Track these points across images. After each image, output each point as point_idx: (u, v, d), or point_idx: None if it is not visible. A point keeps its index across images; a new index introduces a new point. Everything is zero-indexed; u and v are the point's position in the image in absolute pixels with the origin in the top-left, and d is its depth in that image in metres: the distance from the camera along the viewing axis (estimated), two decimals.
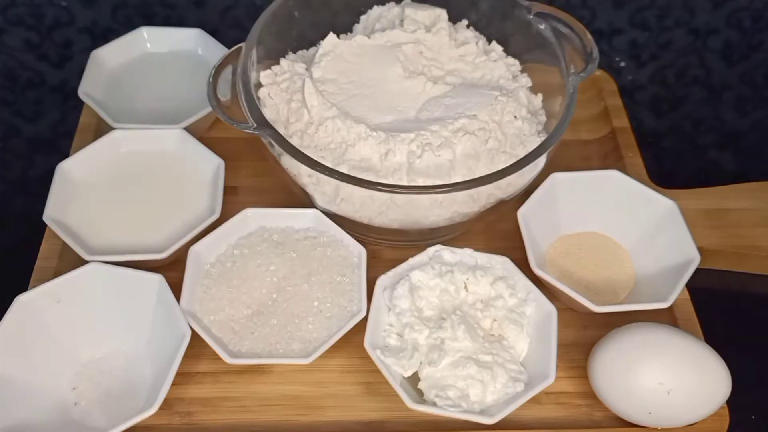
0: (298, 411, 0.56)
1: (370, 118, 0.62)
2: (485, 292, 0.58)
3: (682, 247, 0.60)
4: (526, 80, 0.68)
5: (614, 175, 0.64)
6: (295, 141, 0.61)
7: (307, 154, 0.57)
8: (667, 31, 0.88)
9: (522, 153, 0.60)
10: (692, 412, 0.53)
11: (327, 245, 0.61)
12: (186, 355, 0.53)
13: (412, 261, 0.59)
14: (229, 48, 0.63)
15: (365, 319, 0.56)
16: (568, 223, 0.65)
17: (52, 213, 0.61)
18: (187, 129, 0.67)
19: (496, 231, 0.66)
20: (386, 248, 0.65)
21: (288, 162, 0.59)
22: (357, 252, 0.60)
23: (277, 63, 0.67)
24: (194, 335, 0.54)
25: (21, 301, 0.55)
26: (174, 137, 0.67)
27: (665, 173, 0.76)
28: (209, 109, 0.65)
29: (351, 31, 0.72)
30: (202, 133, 0.72)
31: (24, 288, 0.58)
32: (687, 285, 0.59)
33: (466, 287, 0.58)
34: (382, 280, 0.58)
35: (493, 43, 0.70)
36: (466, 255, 0.60)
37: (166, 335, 0.55)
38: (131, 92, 0.73)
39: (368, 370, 0.56)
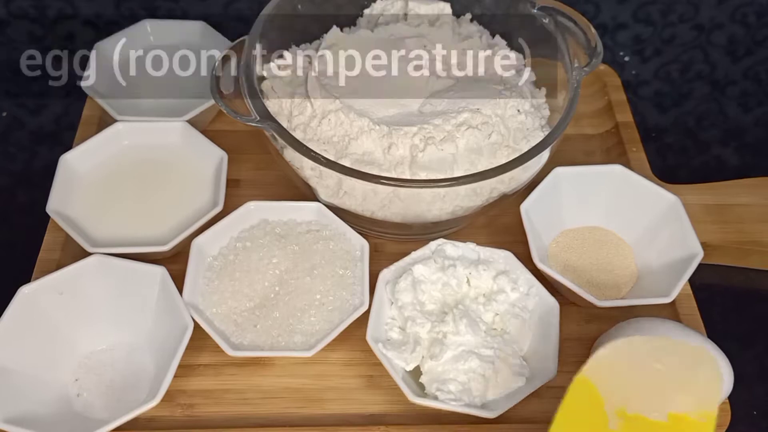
0: (300, 404, 0.56)
1: (373, 112, 0.62)
2: (487, 287, 0.58)
3: (685, 242, 0.60)
4: (529, 75, 0.68)
5: (617, 169, 0.64)
6: (298, 134, 0.61)
7: (310, 147, 0.57)
8: (671, 26, 0.88)
9: (525, 147, 0.60)
10: None
11: (329, 238, 0.61)
12: (188, 348, 0.53)
13: (414, 255, 0.59)
14: (232, 41, 0.63)
15: (367, 312, 0.56)
16: (570, 217, 0.65)
17: (55, 205, 0.61)
18: (190, 122, 0.67)
19: (499, 225, 0.66)
20: (389, 242, 0.65)
21: (291, 155, 0.59)
22: (359, 245, 0.60)
23: (281, 56, 0.67)
24: (196, 327, 0.55)
25: (24, 292, 0.55)
26: (177, 130, 0.67)
27: (668, 168, 0.76)
28: (212, 102, 0.66)
29: (354, 25, 0.72)
30: (205, 125, 0.72)
31: (27, 280, 0.59)
32: (689, 280, 0.59)
33: (468, 281, 0.58)
34: (385, 274, 0.58)
35: (497, 37, 0.70)
36: (469, 249, 0.60)
37: (169, 327, 0.55)
38: (134, 85, 0.73)
39: (370, 363, 0.56)
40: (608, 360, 0.47)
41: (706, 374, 0.46)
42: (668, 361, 0.47)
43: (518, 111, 0.63)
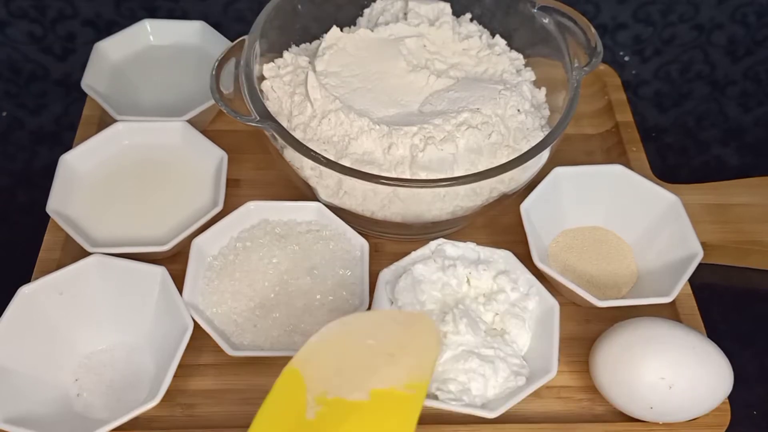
0: None
1: (373, 112, 0.62)
2: (487, 286, 0.58)
3: (685, 242, 0.60)
4: (529, 74, 0.68)
5: (617, 169, 0.64)
6: (298, 134, 0.61)
7: (310, 147, 0.57)
8: (671, 26, 0.88)
9: (525, 147, 0.60)
10: (694, 407, 0.53)
11: (329, 238, 0.61)
12: (188, 348, 0.53)
13: (414, 255, 0.59)
14: (232, 41, 0.63)
15: None
16: (570, 217, 0.65)
17: (55, 205, 0.61)
18: (190, 122, 0.67)
19: (499, 225, 0.66)
20: (389, 242, 0.65)
21: (291, 155, 0.59)
22: (359, 245, 0.60)
23: (280, 56, 0.67)
24: (196, 327, 0.55)
25: (24, 292, 0.55)
26: (177, 130, 0.67)
27: (668, 168, 0.76)
28: (212, 101, 0.66)
29: (354, 25, 0.72)
30: (205, 125, 0.72)
31: (27, 280, 0.59)
32: (689, 280, 0.59)
33: (468, 281, 0.58)
34: (385, 274, 0.58)
35: (497, 37, 0.70)
36: (469, 249, 0.60)
37: (169, 327, 0.55)
38: (134, 85, 0.73)
39: None
40: (319, 345, 0.42)
41: (420, 342, 0.42)
42: (382, 334, 0.42)
43: (518, 111, 0.63)
